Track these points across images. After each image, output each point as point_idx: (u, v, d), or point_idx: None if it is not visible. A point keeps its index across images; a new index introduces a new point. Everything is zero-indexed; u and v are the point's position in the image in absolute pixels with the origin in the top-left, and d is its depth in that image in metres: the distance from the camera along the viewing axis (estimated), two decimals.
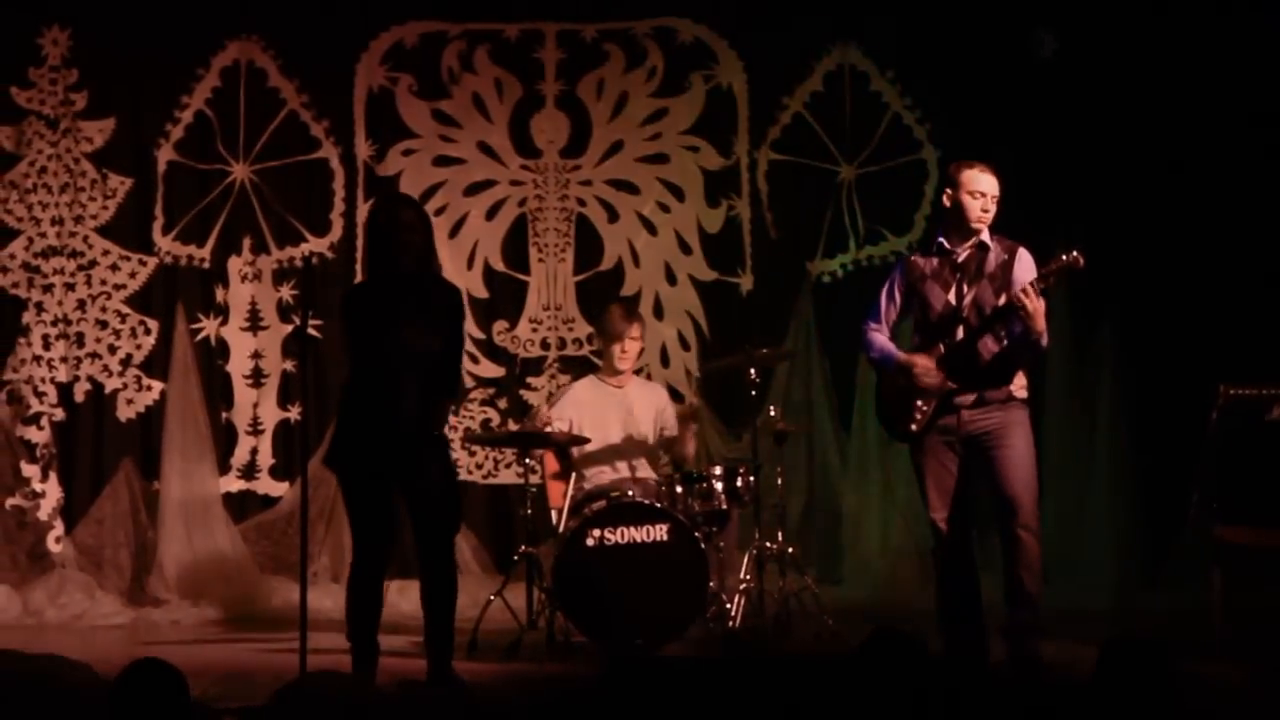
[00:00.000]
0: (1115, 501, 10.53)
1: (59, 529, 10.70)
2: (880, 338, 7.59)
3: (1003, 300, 7.25)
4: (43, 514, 10.69)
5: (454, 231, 11.08)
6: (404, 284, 7.36)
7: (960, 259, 7.41)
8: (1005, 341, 7.32)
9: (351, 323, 7.42)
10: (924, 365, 7.38)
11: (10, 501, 10.71)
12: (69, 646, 7.36)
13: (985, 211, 7.37)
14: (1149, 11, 10.66)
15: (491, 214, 11.14)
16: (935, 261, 7.48)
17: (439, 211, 11.03)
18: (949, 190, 7.47)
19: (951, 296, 7.38)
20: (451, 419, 10.91)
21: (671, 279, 11.14)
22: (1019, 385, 7.39)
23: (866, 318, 7.67)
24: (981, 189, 7.37)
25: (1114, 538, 10.47)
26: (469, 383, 10.98)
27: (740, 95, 11.20)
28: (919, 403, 7.40)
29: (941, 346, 7.38)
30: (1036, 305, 7.13)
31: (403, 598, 9.43)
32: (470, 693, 6.92)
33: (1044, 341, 7.30)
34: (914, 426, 7.44)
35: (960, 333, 7.35)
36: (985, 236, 7.41)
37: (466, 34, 11.13)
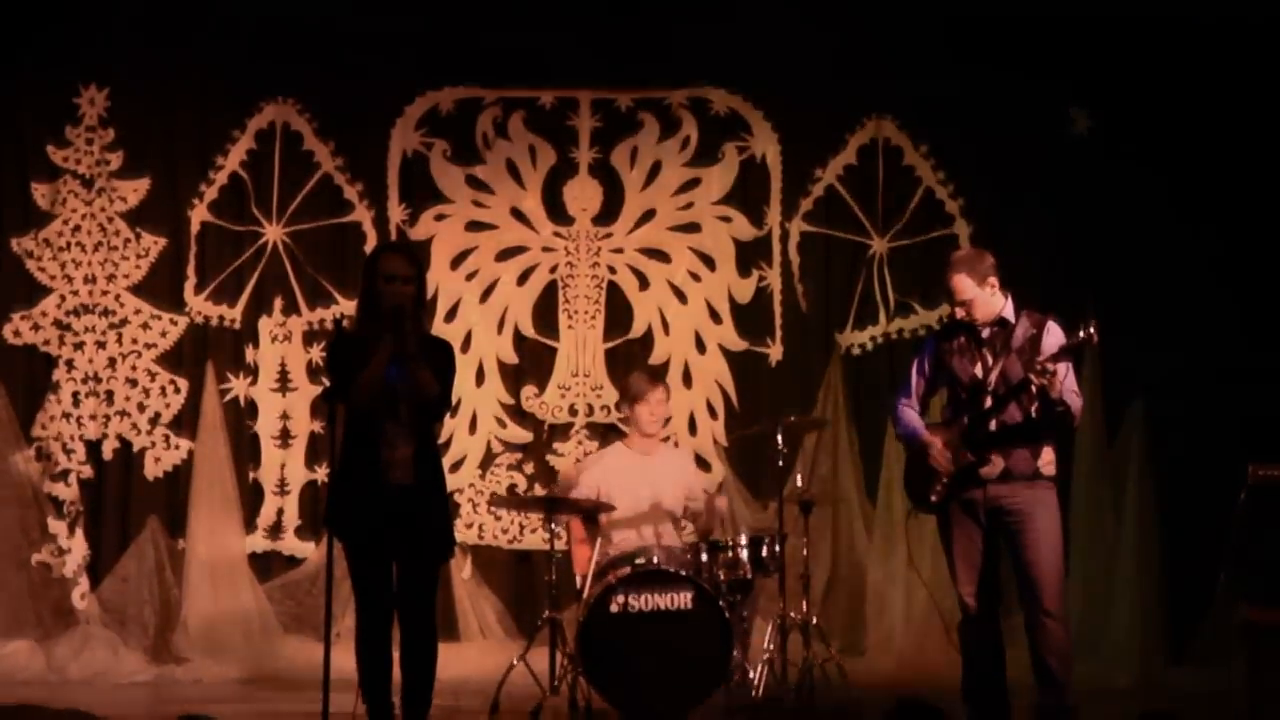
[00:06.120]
0: (1142, 580, 10.49)
1: (84, 585, 10.70)
2: (910, 414, 7.63)
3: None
4: (68, 570, 10.69)
5: (485, 296, 11.11)
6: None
7: (985, 335, 7.45)
8: (1032, 415, 7.31)
9: (334, 368, 7.40)
10: (939, 449, 7.40)
11: (36, 557, 10.72)
12: (92, 703, 7.37)
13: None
14: (1181, 89, 10.71)
15: (523, 279, 11.16)
16: (963, 338, 7.52)
17: (470, 276, 11.08)
18: None
19: (978, 370, 7.41)
20: (478, 483, 10.93)
21: (701, 348, 11.15)
22: (1046, 461, 7.38)
23: (898, 393, 7.72)
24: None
25: (1141, 616, 10.43)
26: (496, 448, 11.00)
27: (773, 166, 11.22)
28: (940, 474, 7.42)
29: (966, 419, 7.39)
30: (1050, 381, 7.12)
31: None
32: None
33: (1074, 411, 7.29)
34: (934, 497, 7.45)
35: (986, 405, 7.35)
36: (1008, 313, 7.44)
37: (502, 100, 11.19)
